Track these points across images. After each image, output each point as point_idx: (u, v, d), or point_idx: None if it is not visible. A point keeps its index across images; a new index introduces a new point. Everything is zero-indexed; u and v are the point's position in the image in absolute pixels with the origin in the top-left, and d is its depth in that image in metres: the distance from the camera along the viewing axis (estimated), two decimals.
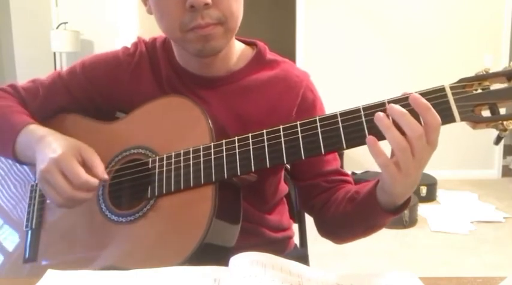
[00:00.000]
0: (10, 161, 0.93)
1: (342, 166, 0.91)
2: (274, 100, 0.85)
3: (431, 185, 3.42)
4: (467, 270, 2.37)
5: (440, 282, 0.61)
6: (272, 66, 0.89)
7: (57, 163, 0.73)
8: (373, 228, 0.79)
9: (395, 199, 0.70)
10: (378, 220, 0.75)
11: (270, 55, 0.90)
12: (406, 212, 2.88)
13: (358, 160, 3.91)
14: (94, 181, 0.74)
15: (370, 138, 0.61)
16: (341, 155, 4.32)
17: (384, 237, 2.78)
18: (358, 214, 0.77)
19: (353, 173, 3.75)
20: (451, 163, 4.00)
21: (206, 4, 0.72)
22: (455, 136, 3.86)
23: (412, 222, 2.94)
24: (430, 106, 0.59)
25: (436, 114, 0.59)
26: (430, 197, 3.39)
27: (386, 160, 0.61)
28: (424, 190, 3.37)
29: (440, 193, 3.50)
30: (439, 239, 2.76)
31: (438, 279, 0.61)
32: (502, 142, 4.00)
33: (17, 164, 0.92)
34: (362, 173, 3.75)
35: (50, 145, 0.77)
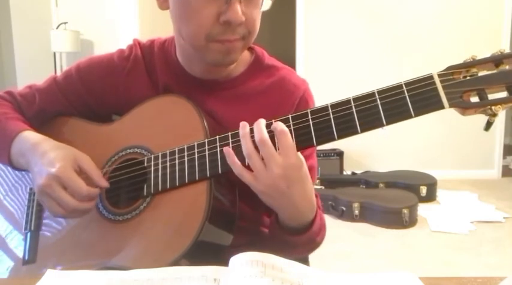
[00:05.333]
0: None
1: (342, 167, 0.91)
2: (270, 109, 0.85)
3: (431, 185, 3.41)
4: (467, 270, 2.37)
5: (440, 282, 0.61)
6: (271, 72, 0.89)
7: (57, 177, 0.74)
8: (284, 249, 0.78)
9: (285, 220, 0.76)
10: (279, 236, 0.78)
11: (269, 60, 0.90)
12: (406, 212, 2.87)
13: (358, 160, 3.91)
14: (95, 191, 0.77)
15: (226, 149, 0.70)
16: (341, 156, 4.29)
17: (384, 238, 2.78)
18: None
19: (353, 173, 3.74)
20: (451, 163, 4.00)
21: (241, 22, 0.73)
22: (455, 136, 3.87)
23: (412, 222, 2.94)
24: (286, 132, 0.67)
25: (289, 139, 0.67)
26: (430, 197, 3.38)
27: (239, 169, 0.69)
28: (424, 190, 3.36)
29: (440, 193, 3.49)
30: (439, 239, 2.76)
31: (438, 279, 0.61)
32: (502, 142, 3.99)
33: None
34: (362, 173, 3.73)
35: (44, 155, 0.77)
